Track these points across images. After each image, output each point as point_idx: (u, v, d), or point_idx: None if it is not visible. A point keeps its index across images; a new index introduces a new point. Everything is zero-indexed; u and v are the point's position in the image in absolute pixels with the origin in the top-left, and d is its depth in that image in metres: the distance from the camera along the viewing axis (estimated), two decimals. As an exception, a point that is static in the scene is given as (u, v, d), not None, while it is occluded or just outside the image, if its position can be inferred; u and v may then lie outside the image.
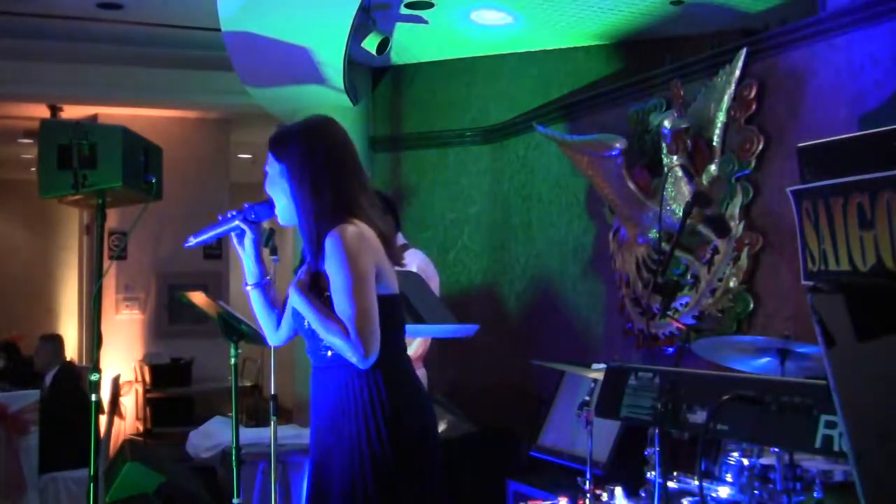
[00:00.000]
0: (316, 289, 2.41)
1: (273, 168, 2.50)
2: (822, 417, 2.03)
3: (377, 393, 2.38)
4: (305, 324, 2.43)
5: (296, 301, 2.41)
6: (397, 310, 2.50)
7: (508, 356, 5.96)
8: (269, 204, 2.54)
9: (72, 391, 5.62)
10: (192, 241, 2.61)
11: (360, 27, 5.28)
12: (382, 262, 2.42)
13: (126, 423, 8.06)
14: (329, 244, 2.35)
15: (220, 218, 2.60)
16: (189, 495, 4.59)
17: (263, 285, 2.61)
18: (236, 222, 2.55)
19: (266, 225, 2.63)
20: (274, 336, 2.68)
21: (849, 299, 1.59)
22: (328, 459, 2.43)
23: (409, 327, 2.66)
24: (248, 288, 2.61)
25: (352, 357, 2.33)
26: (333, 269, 2.34)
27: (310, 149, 2.45)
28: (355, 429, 2.37)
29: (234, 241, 2.61)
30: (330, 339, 2.35)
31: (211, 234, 2.61)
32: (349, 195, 2.44)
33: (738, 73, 4.12)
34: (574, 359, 4.33)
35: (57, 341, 6.21)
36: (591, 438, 3.57)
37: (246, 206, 2.57)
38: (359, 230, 2.38)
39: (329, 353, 2.42)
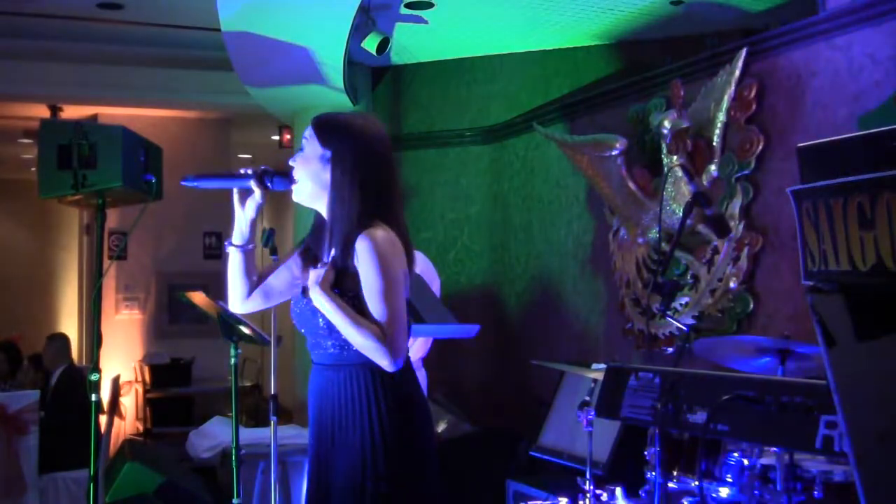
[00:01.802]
0: (338, 287, 2.37)
1: (313, 149, 2.42)
2: (822, 417, 2.03)
3: (383, 390, 2.38)
4: (320, 321, 2.38)
5: (319, 300, 2.34)
6: (409, 313, 2.51)
7: (508, 356, 5.96)
8: (289, 177, 2.44)
9: (76, 392, 5.61)
10: (192, 182, 2.47)
11: (360, 27, 5.28)
12: (405, 267, 2.43)
13: (126, 423, 8.06)
14: (362, 247, 2.32)
15: (232, 171, 2.49)
16: (189, 495, 4.59)
17: (247, 250, 2.52)
18: (250, 182, 2.43)
19: (267, 225, 2.60)
20: (240, 304, 2.57)
21: (849, 299, 1.59)
22: (330, 456, 2.42)
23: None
24: (232, 248, 2.50)
25: (381, 359, 2.31)
26: (366, 271, 2.32)
27: (369, 147, 2.41)
28: (361, 425, 2.37)
29: (236, 197, 2.47)
30: (358, 340, 2.31)
31: (216, 184, 2.51)
32: (391, 202, 2.42)
33: (738, 73, 4.12)
34: (574, 359, 4.34)
35: (63, 341, 6.20)
36: (591, 438, 3.57)
37: (263, 168, 2.45)
38: (389, 235, 2.37)
39: (334, 350, 2.41)
